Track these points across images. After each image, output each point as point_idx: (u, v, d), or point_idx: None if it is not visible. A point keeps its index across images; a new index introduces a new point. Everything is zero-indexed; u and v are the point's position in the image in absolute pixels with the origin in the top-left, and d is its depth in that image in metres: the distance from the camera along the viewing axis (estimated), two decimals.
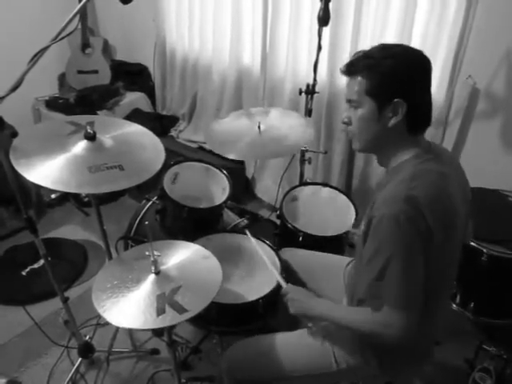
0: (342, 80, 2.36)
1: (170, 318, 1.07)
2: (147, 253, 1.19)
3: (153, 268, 1.18)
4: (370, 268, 1.05)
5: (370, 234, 1.05)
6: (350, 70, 1.10)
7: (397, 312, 1.02)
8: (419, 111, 1.09)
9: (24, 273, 2.32)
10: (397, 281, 1.01)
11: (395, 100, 1.04)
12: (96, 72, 3.28)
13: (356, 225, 1.77)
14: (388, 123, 1.08)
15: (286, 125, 1.81)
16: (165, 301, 1.11)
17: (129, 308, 1.10)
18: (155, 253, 1.18)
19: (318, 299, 1.25)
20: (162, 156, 1.40)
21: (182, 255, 1.28)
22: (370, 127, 1.11)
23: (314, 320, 1.24)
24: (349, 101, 1.13)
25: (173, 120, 3.29)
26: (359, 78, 1.07)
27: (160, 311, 1.08)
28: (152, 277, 1.18)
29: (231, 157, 1.64)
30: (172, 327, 1.26)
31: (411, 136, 1.11)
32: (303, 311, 1.23)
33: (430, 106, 1.11)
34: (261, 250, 1.51)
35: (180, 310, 1.08)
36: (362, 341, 1.21)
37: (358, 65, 1.08)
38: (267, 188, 2.90)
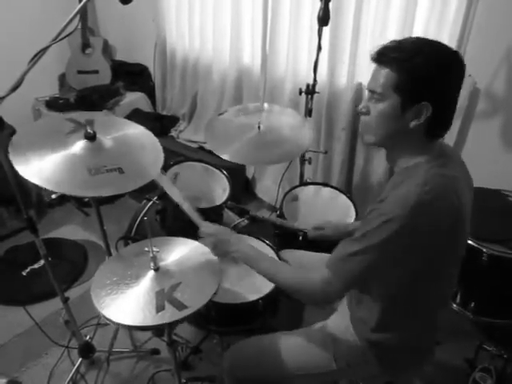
0: (343, 80, 2.36)
1: (169, 315, 1.07)
2: (146, 249, 1.19)
3: (152, 264, 1.18)
4: (349, 245, 1.05)
5: (367, 219, 1.04)
6: (381, 58, 1.02)
7: (327, 272, 1.06)
8: (442, 118, 1.04)
9: (24, 273, 2.32)
10: (355, 259, 1.02)
11: (422, 102, 0.99)
12: (96, 72, 3.28)
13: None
14: (409, 124, 1.02)
15: (287, 126, 1.80)
16: (164, 297, 1.10)
17: (128, 305, 1.10)
18: (154, 249, 1.18)
19: (245, 243, 1.26)
20: (160, 157, 1.38)
21: (182, 252, 1.28)
22: (389, 124, 1.05)
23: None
24: (372, 92, 1.06)
25: (173, 120, 3.29)
26: (388, 70, 1.00)
27: (159, 308, 1.08)
28: (151, 273, 1.18)
29: (231, 159, 1.64)
30: (172, 327, 1.26)
31: (427, 140, 1.06)
32: (227, 252, 1.25)
33: (454, 113, 1.06)
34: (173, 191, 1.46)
35: (179, 306, 1.08)
36: (364, 340, 1.21)
37: (389, 55, 1.01)
38: (267, 188, 2.90)
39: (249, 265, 1.23)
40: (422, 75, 0.98)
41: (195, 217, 1.39)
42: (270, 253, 1.60)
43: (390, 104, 1.02)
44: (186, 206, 1.42)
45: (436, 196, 0.99)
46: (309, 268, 1.14)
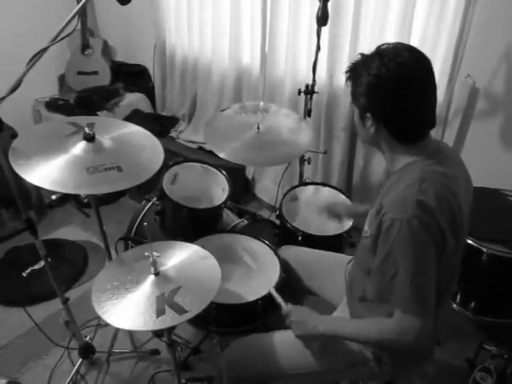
0: (342, 80, 2.36)
1: (169, 319, 1.07)
2: (146, 253, 1.19)
3: (152, 269, 1.18)
4: (381, 272, 1.06)
5: (381, 237, 1.05)
6: (348, 73, 1.13)
7: (410, 317, 1.02)
8: (399, 125, 1.08)
9: (25, 274, 2.32)
10: (409, 285, 1.00)
11: (367, 114, 1.09)
12: (96, 73, 3.28)
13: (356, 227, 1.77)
14: (370, 131, 1.11)
15: (286, 128, 1.81)
16: (164, 302, 1.11)
17: (128, 309, 1.11)
18: (154, 253, 1.18)
19: (321, 317, 1.22)
20: (160, 157, 1.40)
21: (181, 256, 1.28)
22: (360, 130, 1.16)
23: (321, 338, 1.21)
24: None
25: (173, 121, 3.29)
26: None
27: (160, 312, 1.08)
28: (151, 278, 1.18)
29: (229, 159, 1.65)
30: (172, 328, 1.26)
31: (405, 145, 1.10)
32: (308, 332, 1.21)
33: (419, 119, 1.08)
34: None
35: (180, 310, 1.09)
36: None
37: (349, 71, 1.13)
38: (267, 188, 2.90)
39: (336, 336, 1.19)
40: (364, 90, 1.07)
41: (279, 299, 1.34)
42: (269, 252, 1.60)
43: (356, 113, 1.14)
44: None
45: (434, 193, 1.01)
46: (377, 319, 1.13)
